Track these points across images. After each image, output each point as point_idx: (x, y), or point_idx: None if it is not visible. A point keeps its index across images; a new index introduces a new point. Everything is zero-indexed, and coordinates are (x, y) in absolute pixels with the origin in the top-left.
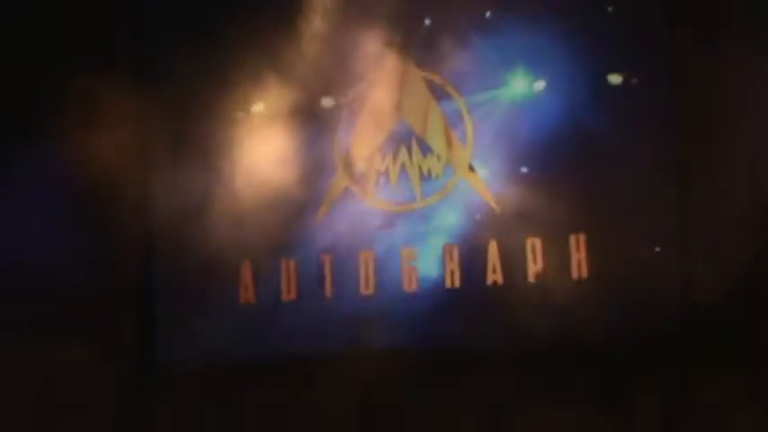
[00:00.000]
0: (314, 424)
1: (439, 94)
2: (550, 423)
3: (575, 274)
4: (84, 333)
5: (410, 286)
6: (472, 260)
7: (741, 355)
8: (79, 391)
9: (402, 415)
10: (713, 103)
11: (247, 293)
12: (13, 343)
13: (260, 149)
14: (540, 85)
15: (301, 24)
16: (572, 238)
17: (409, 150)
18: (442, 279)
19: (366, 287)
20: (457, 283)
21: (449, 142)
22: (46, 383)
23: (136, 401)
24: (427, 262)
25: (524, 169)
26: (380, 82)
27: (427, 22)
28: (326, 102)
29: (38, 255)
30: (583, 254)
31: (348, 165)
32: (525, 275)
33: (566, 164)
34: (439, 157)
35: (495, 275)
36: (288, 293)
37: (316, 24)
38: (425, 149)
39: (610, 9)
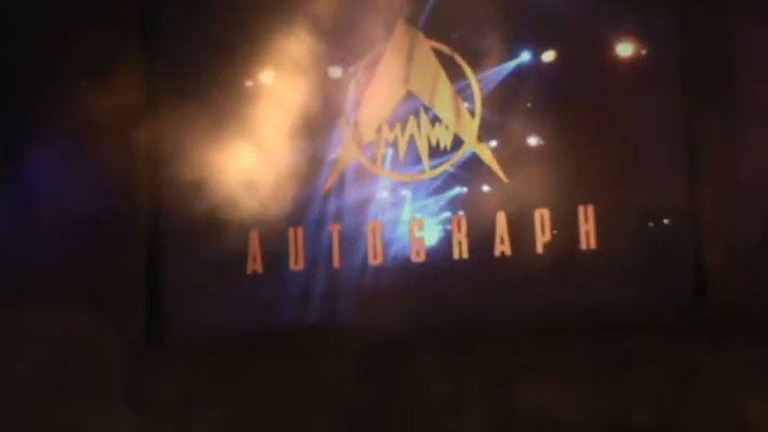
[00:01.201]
0: (321, 394)
1: (447, 64)
2: (558, 395)
3: (583, 246)
4: (92, 303)
5: (418, 257)
6: (480, 231)
7: (753, 327)
8: (86, 361)
9: (409, 386)
10: (724, 74)
11: (255, 263)
12: (20, 311)
13: (268, 119)
14: (549, 55)
15: None
16: (581, 210)
17: (417, 120)
18: (450, 250)
19: (374, 257)
20: (465, 254)
21: (457, 112)
22: (53, 352)
23: (143, 371)
24: (435, 233)
25: (533, 140)
26: (388, 52)
27: None
28: (334, 72)
29: (45, 224)
30: (591, 225)
31: (356, 135)
32: (533, 247)
33: (575, 135)
34: (447, 128)
35: (502, 246)
36: (296, 263)
37: None
38: (434, 119)
39: None
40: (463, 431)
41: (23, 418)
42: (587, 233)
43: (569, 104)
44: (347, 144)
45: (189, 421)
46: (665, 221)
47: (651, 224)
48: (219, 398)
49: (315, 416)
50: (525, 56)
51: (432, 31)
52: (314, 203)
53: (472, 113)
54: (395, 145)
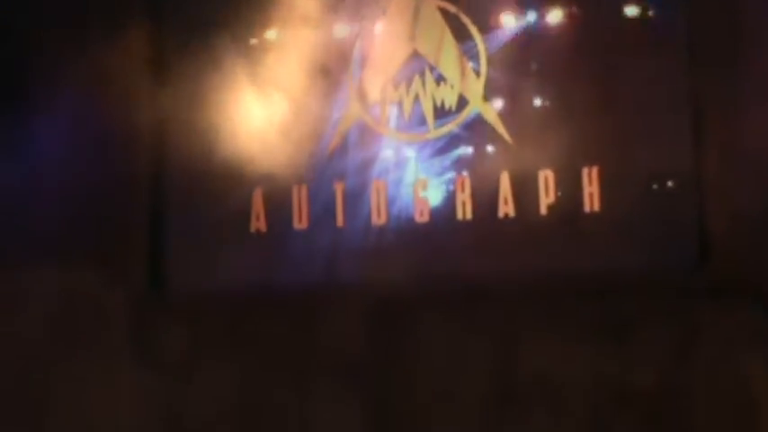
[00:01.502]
0: (323, 352)
1: (453, 23)
2: (561, 356)
3: (587, 208)
4: (96, 261)
5: (421, 217)
6: (484, 192)
7: (755, 290)
8: (90, 319)
9: (412, 345)
10: (731, 38)
11: (258, 222)
12: (24, 268)
13: (273, 77)
14: (555, 16)
15: None
16: (584, 171)
17: (423, 80)
18: (454, 211)
19: (378, 217)
20: (468, 215)
21: (462, 72)
22: (57, 310)
23: (146, 328)
24: (439, 193)
25: (538, 101)
26: (394, 10)
27: None
28: (340, 30)
29: (49, 182)
30: (595, 187)
31: (361, 94)
32: (537, 208)
33: (580, 96)
34: (452, 87)
35: (506, 207)
36: (299, 222)
37: None
38: (439, 79)
39: None
40: (466, 391)
41: (28, 373)
42: (591, 195)
43: (575, 66)
44: (352, 103)
45: (191, 377)
46: (669, 184)
47: (655, 187)
48: (222, 355)
49: (317, 373)
50: (531, 16)
51: None
52: (318, 162)
53: (477, 73)
54: (399, 104)
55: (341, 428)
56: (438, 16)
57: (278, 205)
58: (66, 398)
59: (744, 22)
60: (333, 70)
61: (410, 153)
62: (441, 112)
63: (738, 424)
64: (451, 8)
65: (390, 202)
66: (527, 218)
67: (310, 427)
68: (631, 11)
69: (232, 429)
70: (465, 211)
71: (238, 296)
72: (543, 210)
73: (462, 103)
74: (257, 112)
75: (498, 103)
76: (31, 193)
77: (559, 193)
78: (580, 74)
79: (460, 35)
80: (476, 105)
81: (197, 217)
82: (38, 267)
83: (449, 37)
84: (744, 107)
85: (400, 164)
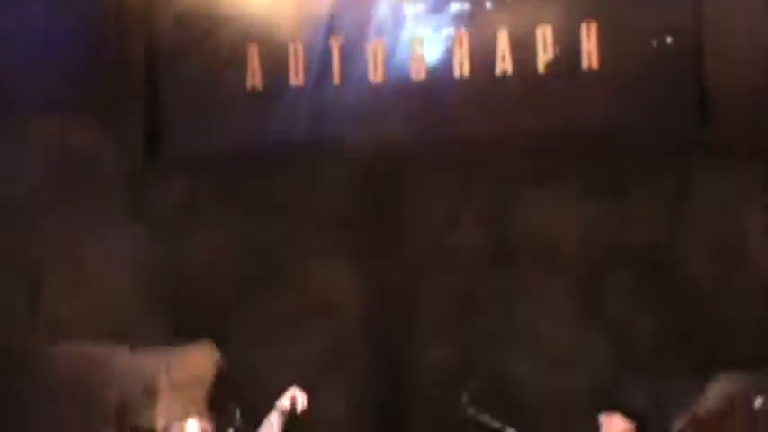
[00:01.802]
0: (319, 209)
1: None
2: (557, 213)
3: (585, 66)
4: (94, 118)
5: (418, 75)
6: (482, 49)
7: (753, 148)
8: (86, 174)
9: (408, 203)
10: None
11: (254, 78)
12: (20, 122)
13: None
14: None
15: None
16: (583, 26)
17: None
18: (451, 69)
19: (374, 74)
20: (466, 73)
21: None
22: (55, 165)
23: (142, 186)
24: (436, 51)
25: None
26: None
27: None
28: None
29: (44, 35)
30: (593, 43)
31: None
32: (535, 66)
33: None
34: None
35: (504, 64)
36: (296, 79)
37: None
38: None
39: None
40: (462, 248)
41: (23, 228)
42: (589, 52)
43: None
44: None
45: (186, 233)
46: (669, 41)
47: (654, 43)
48: (217, 211)
49: (313, 230)
50: None
51: None
52: (315, 18)
53: None
54: None
55: (334, 283)
56: None
57: (274, 62)
58: (62, 252)
59: None
60: None
61: (408, 10)
62: None
63: (732, 277)
64: None
65: (387, 60)
66: (525, 75)
67: (303, 280)
68: None
69: (227, 284)
70: (462, 68)
71: (234, 153)
72: (541, 67)
73: None
74: None
75: None
76: (24, 47)
77: (557, 51)
78: None
79: None
80: None
81: (192, 74)
82: (35, 122)
83: None
84: None
85: (397, 21)
